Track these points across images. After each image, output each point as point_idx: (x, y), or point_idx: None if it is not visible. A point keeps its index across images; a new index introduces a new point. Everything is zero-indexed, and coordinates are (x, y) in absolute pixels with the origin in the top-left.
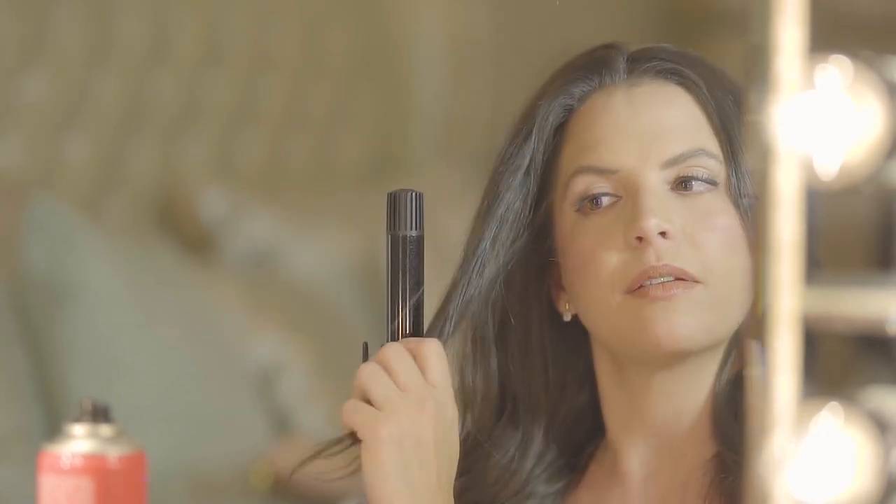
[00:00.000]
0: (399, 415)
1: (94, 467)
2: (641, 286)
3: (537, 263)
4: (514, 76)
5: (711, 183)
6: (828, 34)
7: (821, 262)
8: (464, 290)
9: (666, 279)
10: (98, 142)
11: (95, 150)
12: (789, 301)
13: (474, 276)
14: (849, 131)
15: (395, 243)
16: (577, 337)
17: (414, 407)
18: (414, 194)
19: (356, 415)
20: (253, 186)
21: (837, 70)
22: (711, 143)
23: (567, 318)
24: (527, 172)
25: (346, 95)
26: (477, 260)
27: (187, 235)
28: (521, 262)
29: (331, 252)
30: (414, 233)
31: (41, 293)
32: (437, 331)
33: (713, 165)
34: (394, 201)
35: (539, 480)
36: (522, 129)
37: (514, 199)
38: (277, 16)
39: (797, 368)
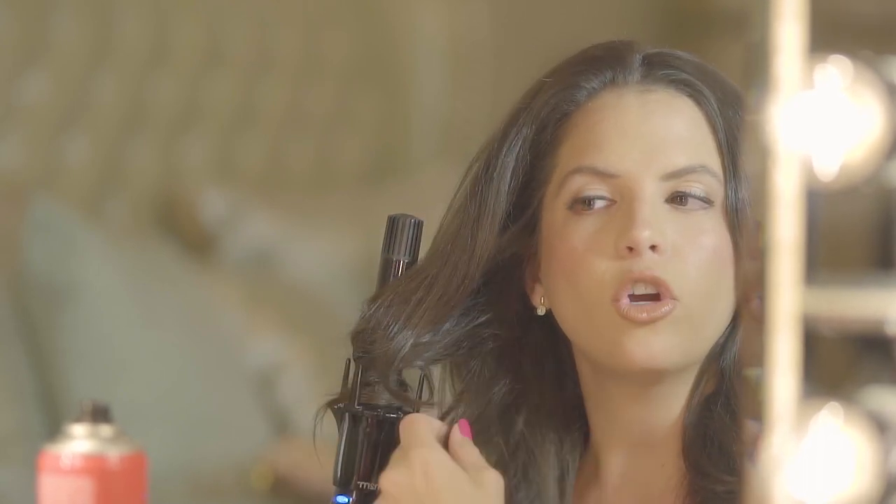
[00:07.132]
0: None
1: (95, 467)
2: (626, 302)
3: (516, 254)
4: (514, 76)
5: (707, 201)
6: (827, 34)
7: (821, 262)
8: (450, 278)
9: (648, 290)
10: (99, 143)
11: (96, 151)
12: (789, 301)
13: (457, 262)
14: (848, 131)
15: (387, 266)
16: (550, 331)
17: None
18: (414, 221)
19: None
20: (253, 187)
21: (837, 70)
22: (714, 161)
23: (541, 312)
24: (518, 159)
25: (346, 96)
26: (458, 246)
27: (188, 236)
28: (501, 251)
29: (331, 253)
30: (407, 259)
31: (42, 294)
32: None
33: (712, 183)
34: (393, 225)
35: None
36: (523, 111)
37: (503, 182)
38: (277, 17)
39: (797, 368)
